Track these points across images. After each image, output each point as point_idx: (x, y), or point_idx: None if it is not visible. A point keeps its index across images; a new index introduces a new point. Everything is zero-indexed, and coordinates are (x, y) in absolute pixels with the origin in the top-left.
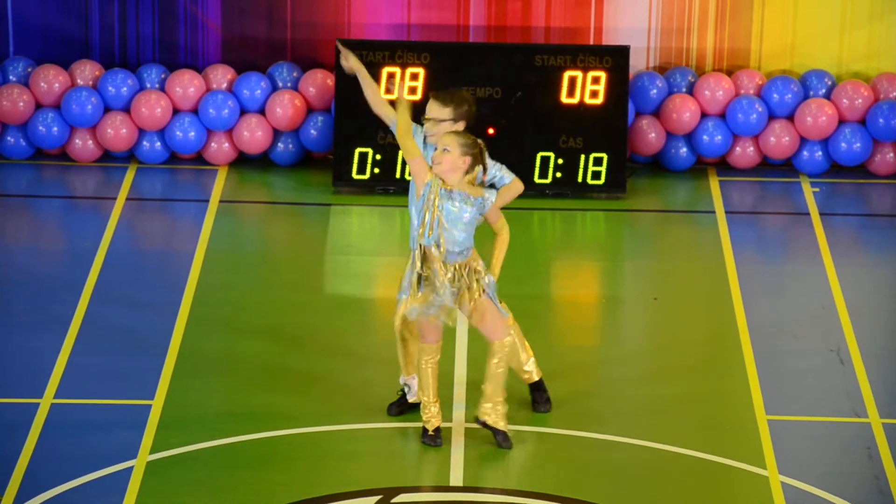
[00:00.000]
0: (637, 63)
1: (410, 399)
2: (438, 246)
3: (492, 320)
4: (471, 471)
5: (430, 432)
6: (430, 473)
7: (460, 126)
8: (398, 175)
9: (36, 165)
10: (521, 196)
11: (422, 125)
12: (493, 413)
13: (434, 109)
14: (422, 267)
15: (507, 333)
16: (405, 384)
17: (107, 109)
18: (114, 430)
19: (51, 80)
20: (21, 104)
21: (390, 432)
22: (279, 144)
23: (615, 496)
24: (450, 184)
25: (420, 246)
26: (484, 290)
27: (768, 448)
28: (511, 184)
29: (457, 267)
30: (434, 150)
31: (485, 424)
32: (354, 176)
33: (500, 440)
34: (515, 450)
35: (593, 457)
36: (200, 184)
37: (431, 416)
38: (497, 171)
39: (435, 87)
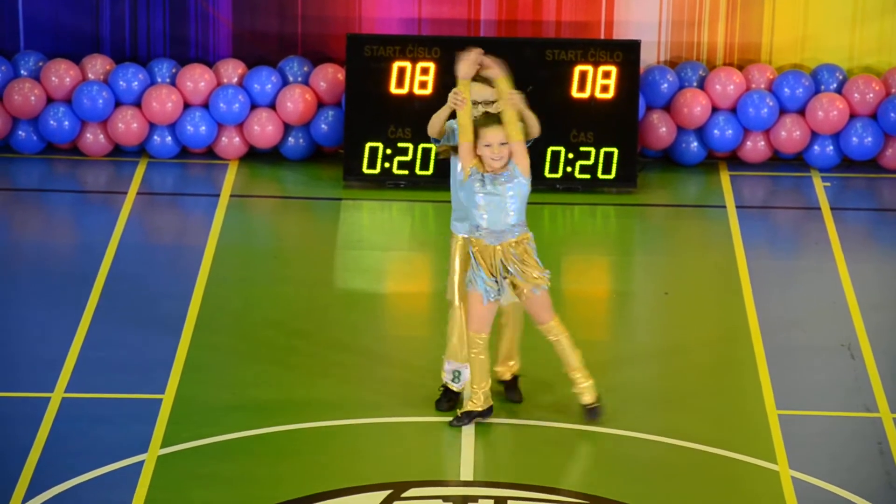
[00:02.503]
0: (648, 57)
1: (459, 388)
2: (489, 228)
3: (540, 304)
4: (481, 465)
5: (481, 410)
6: (440, 468)
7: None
8: (408, 170)
9: (47, 160)
10: (531, 191)
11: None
12: (589, 389)
13: (485, 92)
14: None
15: (552, 317)
16: (455, 371)
17: (117, 104)
18: (125, 424)
19: (62, 74)
20: (32, 98)
21: (401, 427)
22: (290, 139)
23: (625, 491)
24: (495, 168)
25: (473, 230)
26: (537, 283)
27: (779, 443)
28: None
29: (509, 246)
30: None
31: (587, 407)
32: (365, 170)
33: (592, 416)
34: (526, 444)
35: (604, 452)
36: (211, 178)
37: (480, 400)
38: None
39: (446, 83)
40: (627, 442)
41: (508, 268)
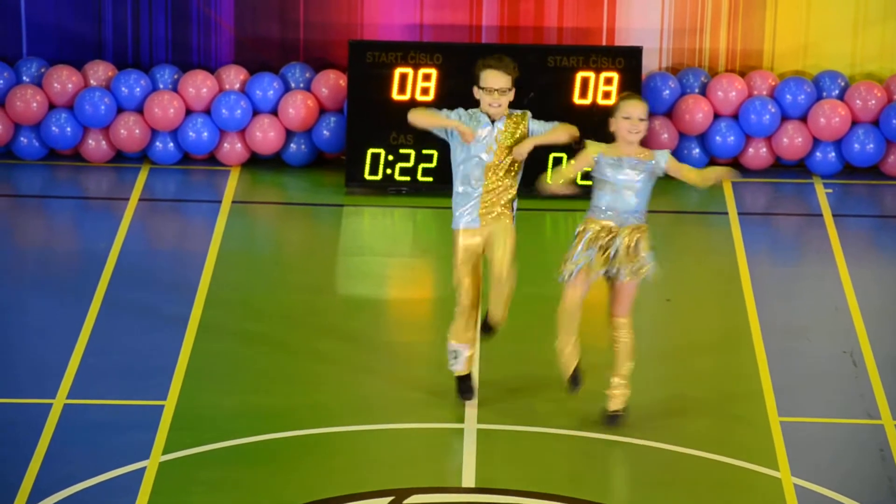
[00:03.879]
0: (650, 64)
1: (459, 369)
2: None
3: (629, 294)
4: (483, 472)
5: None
6: (442, 474)
7: (513, 93)
8: (410, 176)
9: (49, 166)
10: (533, 197)
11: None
12: (622, 397)
13: (501, 79)
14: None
15: (629, 313)
16: (454, 351)
17: (120, 110)
18: (126, 431)
19: (64, 80)
20: (34, 105)
21: (403, 433)
22: (292, 145)
23: (628, 497)
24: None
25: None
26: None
27: (781, 450)
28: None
29: (628, 230)
30: (486, 125)
31: (610, 413)
32: (367, 177)
33: (612, 422)
34: (527, 451)
35: (605, 458)
36: (213, 184)
37: (567, 360)
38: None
39: (448, 89)
40: (629, 449)
41: (619, 250)
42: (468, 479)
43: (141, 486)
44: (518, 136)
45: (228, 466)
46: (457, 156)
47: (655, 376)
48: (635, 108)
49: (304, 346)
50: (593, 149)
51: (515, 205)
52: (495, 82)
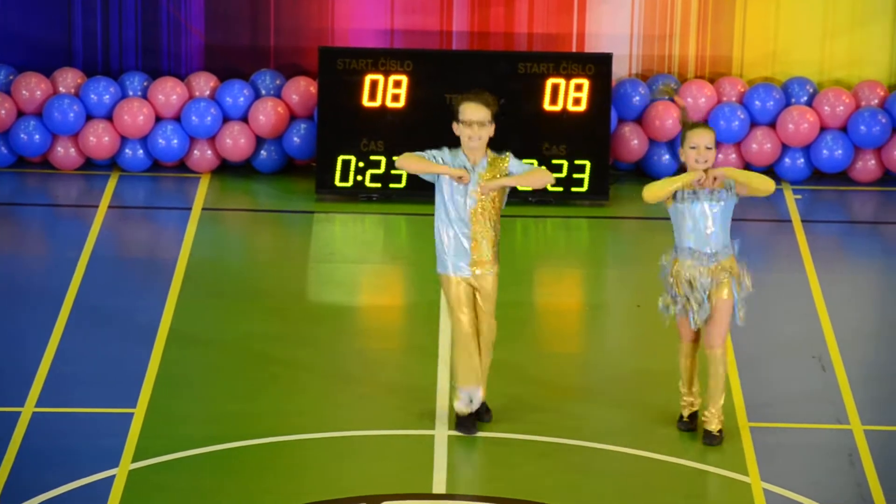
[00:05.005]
0: (620, 70)
1: (474, 409)
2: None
3: (725, 325)
4: (454, 478)
5: (685, 418)
6: (413, 481)
7: (493, 127)
8: (381, 183)
9: (18, 173)
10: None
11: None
12: (715, 419)
13: (480, 112)
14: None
15: (724, 343)
16: (468, 397)
17: (89, 117)
18: (96, 439)
19: (33, 87)
20: (3, 112)
21: (374, 440)
22: (262, 152)
23: (597, 503)
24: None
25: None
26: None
27: (750, 455)
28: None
29: (717, 268)
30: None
31: (708, 434)
32: (337, 183)
33: (713, 441)
34: (497, 457)
35: (575, 464)
36: (183, 192)
37: (686, 405)
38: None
39: (418, 96)
40: (599, 454)
41: (709, 287)
42: (439, 486)
43: (111, 495)
44: (499, 177)
45: (199, 474)
46: (441, 198)
47: (625, 382)
48: (701, 138)
49: (275, 353)
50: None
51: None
52: (474, 115)
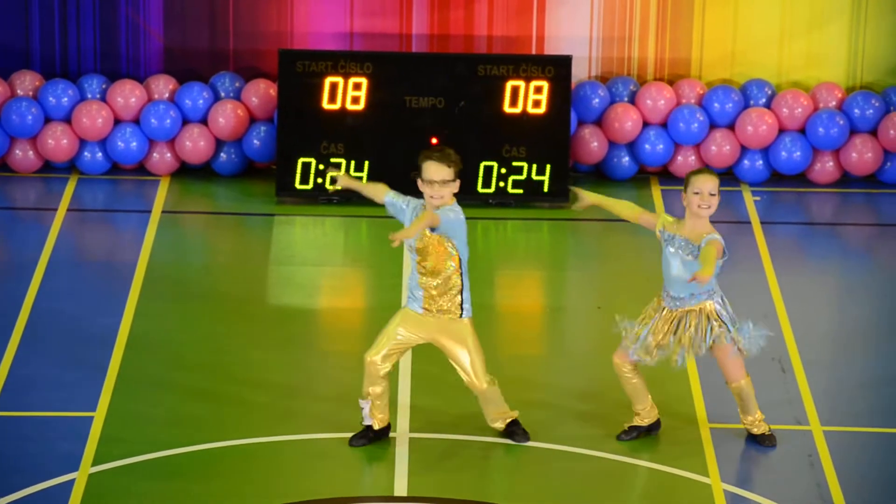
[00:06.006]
0: (579, 72)
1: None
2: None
3: (732, 362)
4: (415, 481)
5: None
6: (374, 484)
7: (457, 184)
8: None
9: None
10: (464, 205)
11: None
12: (759, 425)
13: (441, 171)
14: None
15: (743, 376)
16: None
17: (47, 120)
18: (55, 443)
19: None
20: None
21: (336, 442)
22: (222, 154)
23: None
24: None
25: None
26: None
27: (711, 456)
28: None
29: (684, 313)
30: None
31: (755, 437)
32: (297, 186)
33: (766, 443)
34: (459, 460)
35: (536, 466)
36: (142, 194)
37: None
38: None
39: (378, 98)
40: (560, 456)
41: (705, 332)
42: (400, 489)
43: (70, 499)
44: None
45: (159, 478)
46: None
47: (586, 384)
48: (705, 184)
49: (235, 355)
50: (658, 221)
51: (465, 297)
52: (436, 174)
